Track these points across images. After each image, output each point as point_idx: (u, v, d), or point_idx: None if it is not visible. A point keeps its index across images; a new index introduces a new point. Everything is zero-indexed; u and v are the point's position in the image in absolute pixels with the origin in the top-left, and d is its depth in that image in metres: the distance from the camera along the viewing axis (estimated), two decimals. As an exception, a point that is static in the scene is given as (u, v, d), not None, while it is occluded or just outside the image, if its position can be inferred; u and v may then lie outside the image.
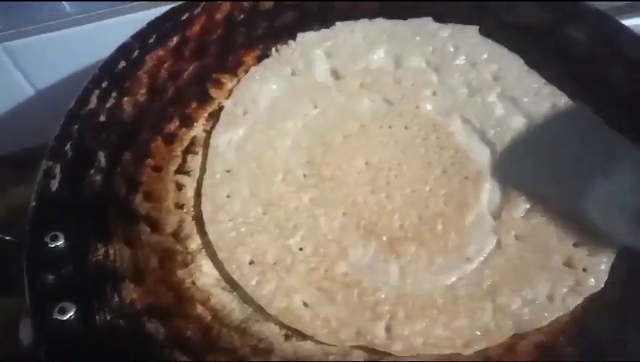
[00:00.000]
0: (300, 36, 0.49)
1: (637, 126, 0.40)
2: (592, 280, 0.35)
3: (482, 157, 0.42)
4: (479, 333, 0.34)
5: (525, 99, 0.43)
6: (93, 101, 0.44)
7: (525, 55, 0.46)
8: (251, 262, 0.37)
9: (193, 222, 0.39)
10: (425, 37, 0.48)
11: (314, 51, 0.48)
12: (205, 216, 0.39)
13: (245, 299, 0.36)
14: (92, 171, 0.40)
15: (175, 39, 0.49)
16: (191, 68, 0.48)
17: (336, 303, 0.35)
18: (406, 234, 0.38)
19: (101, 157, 0.41)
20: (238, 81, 0.47)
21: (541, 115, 0.43)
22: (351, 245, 0.38)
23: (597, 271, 0.35)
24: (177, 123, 0.44)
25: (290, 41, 0.49)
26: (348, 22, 0.50)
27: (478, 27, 0.48)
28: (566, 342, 0.33)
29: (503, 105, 0.44)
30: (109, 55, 0.47)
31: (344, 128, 0.44)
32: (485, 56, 0.46)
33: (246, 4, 0.51)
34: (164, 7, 0.51)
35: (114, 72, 0.46)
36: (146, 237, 0.38)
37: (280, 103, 0.45)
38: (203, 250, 0.38)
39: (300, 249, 0.38)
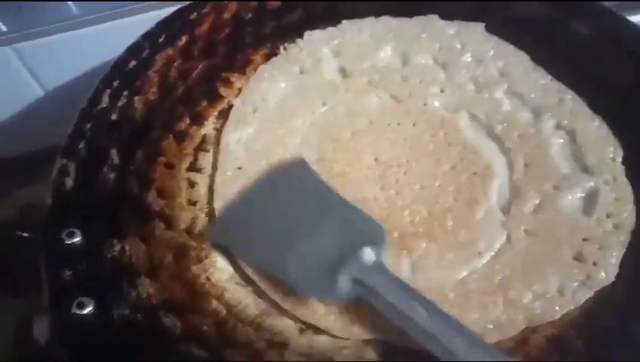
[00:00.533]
0: (307, 35, 0.49)
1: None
2: (603, 273, 0.35)
3: (490, 152, 0.42)
4: (491, 327, 0.34)
5: (532, 95, 0.44)
6: (105, 100, 0.44)
7: (531, 51, 0.46)
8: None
9: (206, 218, 0.40)
10: (431, 34, 0.48)
11: (321, 50, 0.48)
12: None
13: (260, 293, 0.36)
14: (105, 168, 0.40)
15: (184, 38, 0.49)
16: (200, 67, 0.48)
17: (349, 298, 0.35)
18: (416, 229, 0.38)
19: (114, 155, 0.41)
20: (247, 80, 0.47)
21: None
22: (362, 241, 0.38)
23: (607, 264, 0.35)
24: (188, 121, 0.45)
25: (298, 40, 0.49)
26: (354, 20, 0.50)
27: (484, 24, 0.48)
28: (576, 336, 0.33)
29: (510, 101, 0.44)
30: (119, 55, 0.47)
31: (353, 125, 0.44)
32: (492, 52, 0.47)
33: (253, 3, 0.52)
34: (169, 10, 0.51)
35: (125, 71, 0.46)
36: (160, 234, 0.38)
37: (289, 101, 0.46)
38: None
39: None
